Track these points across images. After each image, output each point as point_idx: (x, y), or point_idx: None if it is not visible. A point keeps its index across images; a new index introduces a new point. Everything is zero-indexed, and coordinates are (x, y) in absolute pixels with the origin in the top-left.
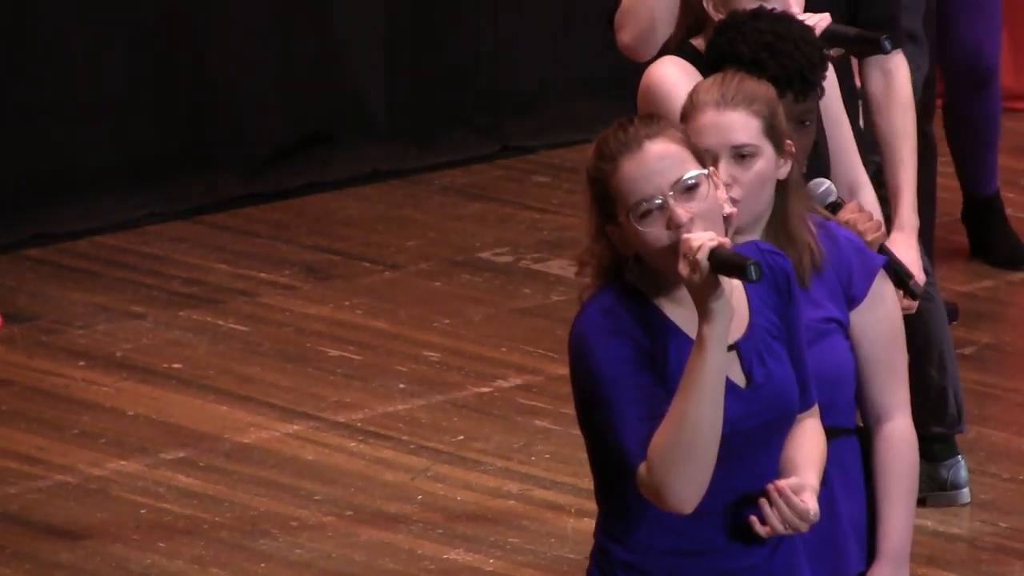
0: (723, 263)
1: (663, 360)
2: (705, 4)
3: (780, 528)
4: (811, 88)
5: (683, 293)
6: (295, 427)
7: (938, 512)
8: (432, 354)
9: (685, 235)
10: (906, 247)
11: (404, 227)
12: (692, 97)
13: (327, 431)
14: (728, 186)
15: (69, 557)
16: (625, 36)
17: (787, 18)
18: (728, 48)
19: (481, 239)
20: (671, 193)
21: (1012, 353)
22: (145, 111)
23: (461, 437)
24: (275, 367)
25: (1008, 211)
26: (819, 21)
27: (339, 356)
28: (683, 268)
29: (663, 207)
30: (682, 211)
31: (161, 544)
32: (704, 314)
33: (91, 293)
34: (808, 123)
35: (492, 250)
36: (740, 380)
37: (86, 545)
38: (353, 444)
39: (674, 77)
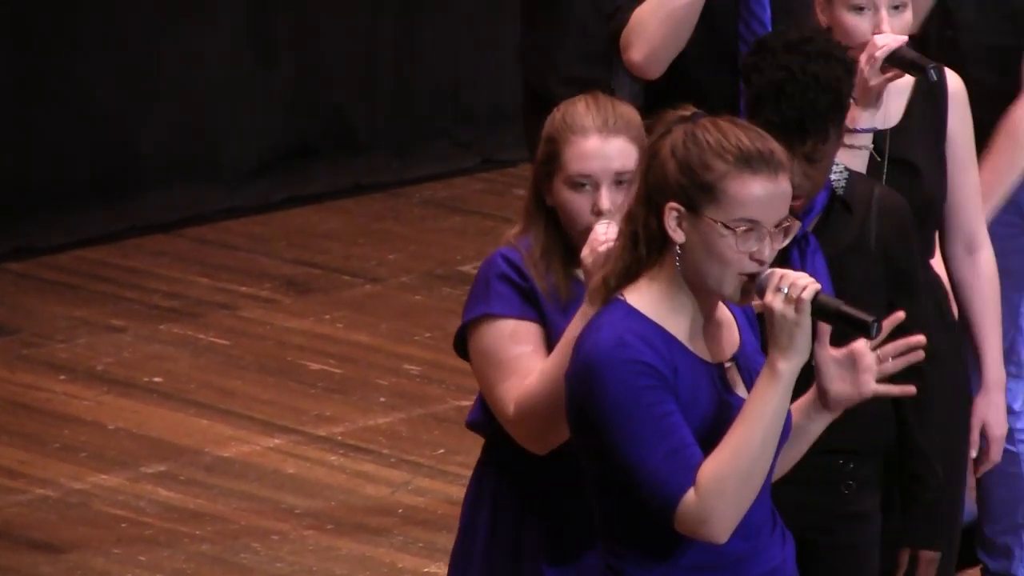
0: (836, 314)
1: (675, 381)
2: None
3: None
4: (807, 136)
5: (683, 308)
6: (276, 441)
7: None
8: (413, 367)
9: (785, 271)
10: (995, 406)
11: (385, 240)
12: (567, 119)
13: (308, 444)
14: (611, 212)
15: (50, 571)
16: (635, 54)
17: (817, 52)
18: (748, 72)
19: (462, 252)
20: (773, 229)
21: None
22: (126, 125)
23: (442, 450)
24: (256, 381)
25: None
26: (890, 43)
27: (320, 370)
28: (777, 303)
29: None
30: (771, 251)
31: (142, 558)
32: (784, 349)
33: (72, 307)
34: (819, 160)
35: (473, 263)
36: (743, 393)
37: (67, 559)
38: (334, 457)
39: None
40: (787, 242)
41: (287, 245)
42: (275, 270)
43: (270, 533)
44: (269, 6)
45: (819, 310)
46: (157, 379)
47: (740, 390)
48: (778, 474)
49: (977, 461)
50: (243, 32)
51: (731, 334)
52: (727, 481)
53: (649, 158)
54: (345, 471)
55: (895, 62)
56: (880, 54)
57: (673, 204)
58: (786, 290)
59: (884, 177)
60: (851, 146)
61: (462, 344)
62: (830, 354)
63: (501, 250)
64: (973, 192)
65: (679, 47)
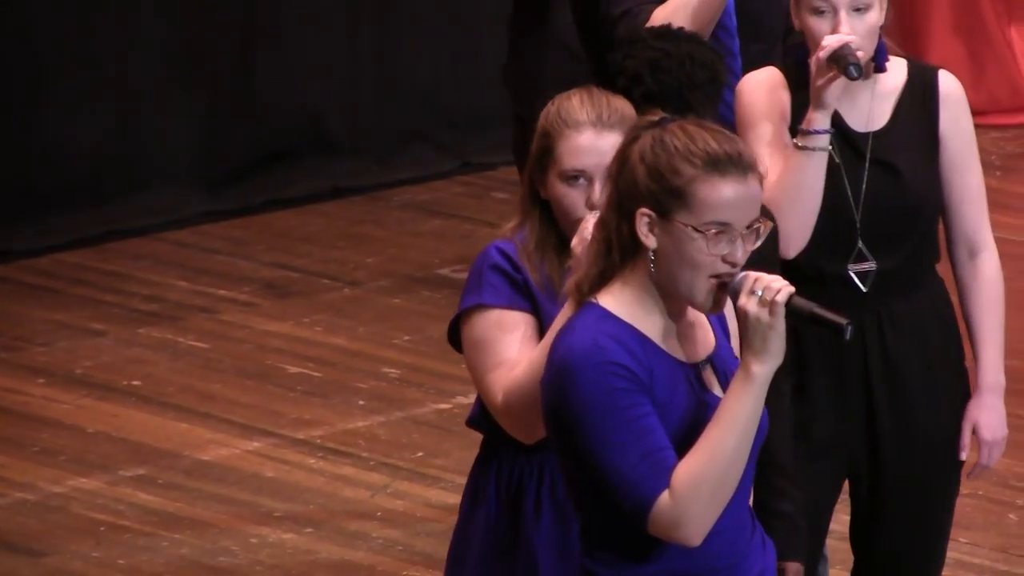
0: (810, 316)
1: (651, 383)
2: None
3: None
4: (688, 109)
5: (656, 310)
6: (255, 444)
7: None
8: (392, 371)
9: (759, 274)
10: (988, 408)
11: (364, 244)
12: (562, 114)
13: (287, 448)
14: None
15: (29, 574)
16: None
17: (687, 38)
18: (619, 62)
19: (441, 256)
20: (744, 231)
21: (971, 368)
22: (106, 130)
23: (421, 453)
24: (235, 384)
25: None
26: (832, 44)
27: (299, 373)
28: (751, 305)
29: (732, 241)
30: (743, 253)
31: (121, 561)
32: (759, 352)
33: (51, 310)
34: None
35: (452, 266)
36: (720, 393)
37: (46, 562)
38: (313, 461)
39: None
40: (759, 243)
41: (266, 248)
42: (254, 273)
43: (249, 536)
44: (249, 11)
45: (793, 313)
46: (136, 382)
47: (716, 390)
48: None
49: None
50: (224, 37)
51: (705, 334)
52: (701, 484)
53: (619, 164)
54: (324, 474)
55: (833, 61)
56: (823, 55)
57: (644, 210)
58: (760, 293)
59: (865, 180)
60: (806, 148)
61: (456, 336)
62: None
63: (496, 242)
64: (975, 194)
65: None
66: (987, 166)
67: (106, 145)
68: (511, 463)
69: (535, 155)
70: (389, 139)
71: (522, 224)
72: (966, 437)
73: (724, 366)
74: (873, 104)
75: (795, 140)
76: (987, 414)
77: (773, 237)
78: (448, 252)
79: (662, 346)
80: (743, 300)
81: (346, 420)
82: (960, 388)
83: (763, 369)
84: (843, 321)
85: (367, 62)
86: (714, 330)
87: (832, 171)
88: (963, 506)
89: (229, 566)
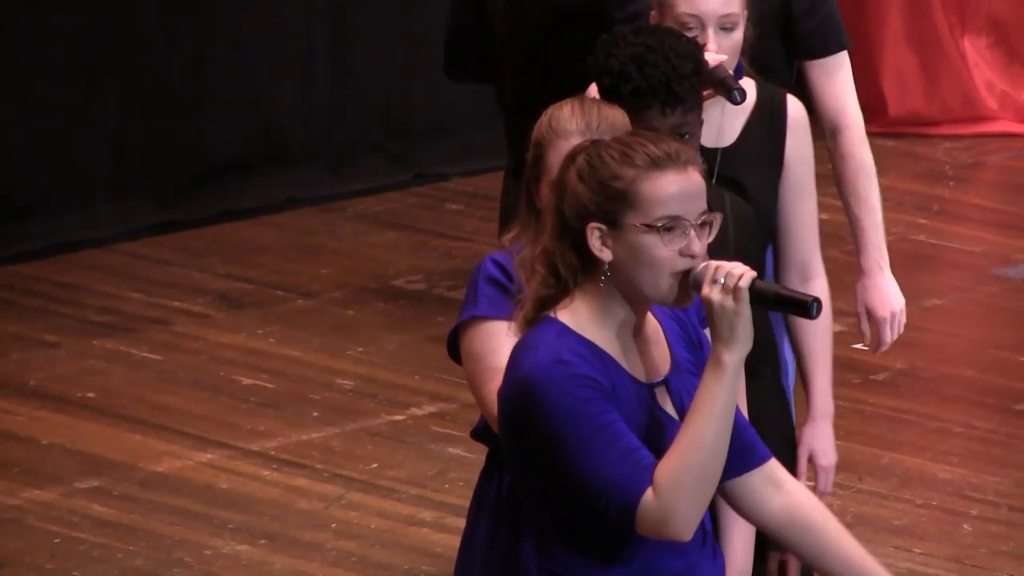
0: (774, 298)
1: (613, 396)
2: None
3: None
4: (678, 100)
5: (615, 326)
6: (209, 456)
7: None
8: (346, 382)
9: (719, 262)
10: (821, 435)
11: (318, 255)
12: (552, 124)
13: (241, 459)
14: None
15: None
16: None
17: (667, 32)
18: (603, 62)
19: (395, 267)
20: (697, 223)
21: (925, 378)
22: (59, 140)
23: (375, 465)
24: (189, 396)
25: (921, 237)
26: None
27: (253, 384)
28: (715, 294)
29: (686, 234)
30: (700, 245)
31: (76, 573)
32: (727, 340)
33: (5, 322)
34: (687, 136)
35: (406, 277)
36: (673, 414)
37: (1, 574)
38: (267, 472)
39: None
40: (712, 236)
41: (220, 260)
42: (208, 285)
43: (203, 548)
44: (202, 21)
45: (757, 297)
46: (90, 394)
47: (670, 410)
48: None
49: None
50: (177, 47)
51: (662, 353)
52: (684, 478)
53: (559, 192)
54: (278, 486)
55: (711, 81)
56: None
57: (593, 224)
58: (723, 280)
59: (728, 202)
60: None
61: (455, 348)
62: None
63: (492, 254)
64: (809, 221)
65: None
66: (940, 176)
67: (59, 156)
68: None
69: (529, 165)
70: (342, 150)
71: (520, 234)
72: (803, 464)
73: (680, 386)
74: (723, 121)
75: None
76: (821, 441)
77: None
78: (402, 263)
79: (621, 363)
80: (706, 290)
81: (300, 432)
82: (784, 409)
83: (733, 357)
84: (808, 298)
85: (320, 73)
86: (673, 347)
87: None
88: (918, 516)
89: None
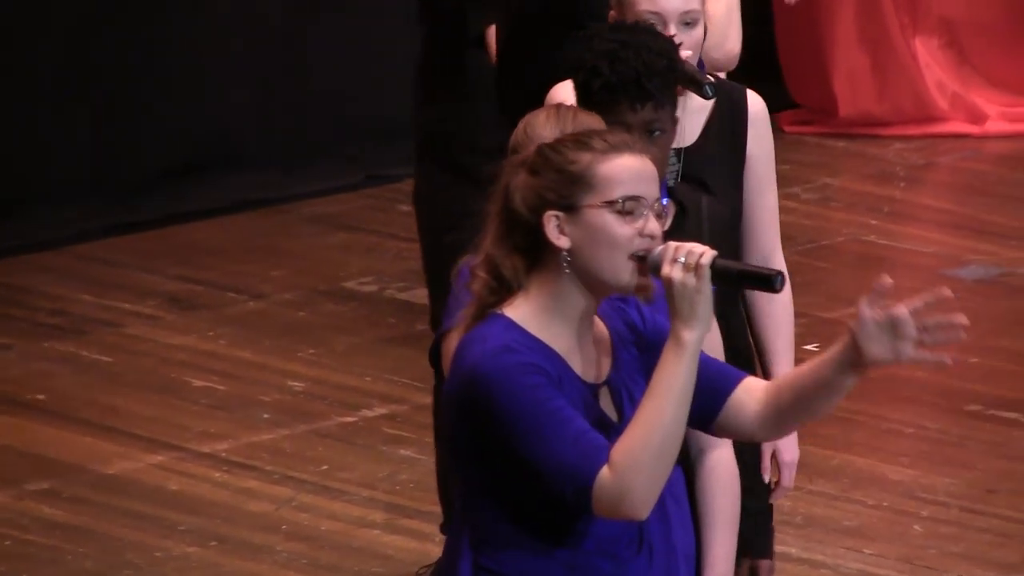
0: (738, 274)
1: (561, 389)
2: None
3: None
4: (648, 96)
5: (563, 324)
6: (160, 457)
7: (802, 539)
8: (297, 384)
9: (679, 243)
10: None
11: (269, 257)
12: (528, 131)
13: (192, 461)
14: None
15: None
16: None
17: (643, 30)
18: (576, 58)
19: (346, 268)
20: (653, 207)
21: (877, 379)
22: (9, 143)
23: (326, 467)
24: (140, 398)
25: (872, 237)
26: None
27: (204, 386)
28: (676, 272)
29: (644, 214)
30: (658, 226)
31: (26, 575)
32: (687, 318)
33: None
34: (658, 132)
35: (357, 279)
36: (613, 415)
37: None
38: (218, 474)
39: None
40: (667, 225)
41: (171, 262)
42: (159, 287)
43: (154, 550)
44: (154, 23)
45: (719, 274)
46: (41, 396)
47: (611, 413)
48: (808, 420)
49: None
50: (129, 47)
51: (606, 354)
52: (640, 455)
53: (504, 197)
54: (229, 488)
55: (680, 77)
56: None
57: (550, 212)
58: (683, 259)
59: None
60: None
61: (437, 357)
62: (873, 315)
63: (468, 263)
64: (770, 215)
65: None
66: (891, 177)
67: (10, 157)
68: None
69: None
70: (295, 152)
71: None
72: (766, 459)
73: (622, 386)
74: (684, 120)
75: None
76: (785, 437)
77: None
78: (354, 265)
79: (567, 361)
80: (667, 269)
81: (251, 433)
82: None
83: (693, 335)
84: (772, 272)
85: (272, 75)
86: (617, 349)
87: None
88: (869, 517)
89: None
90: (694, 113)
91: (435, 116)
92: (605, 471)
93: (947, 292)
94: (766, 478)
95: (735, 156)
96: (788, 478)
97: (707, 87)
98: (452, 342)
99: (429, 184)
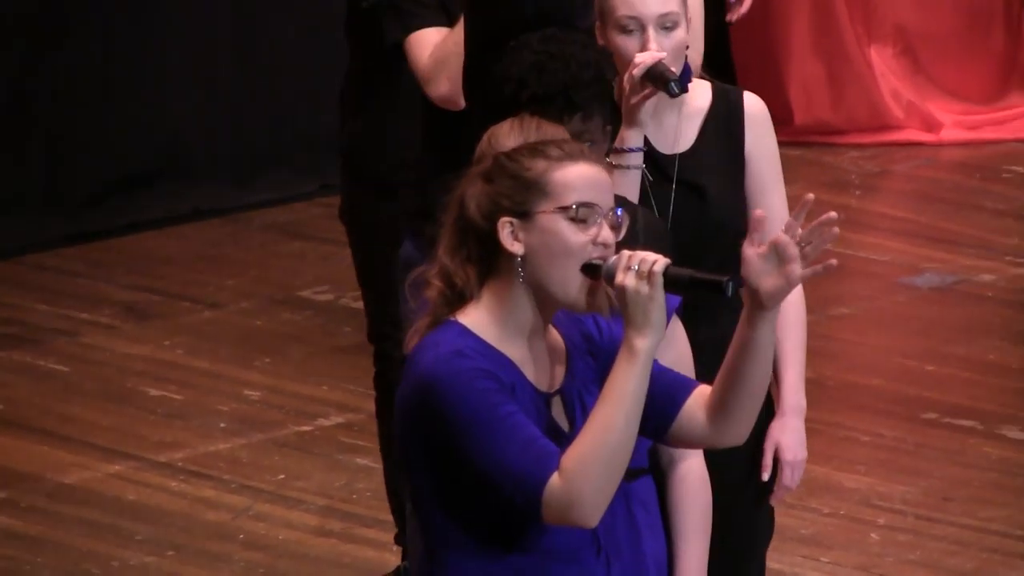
0: (689, 281)
1: (514, 398)
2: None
3: None
4: (576, 108)
5: (516, 332)
6: (116, 467)
7: None
8: (253, 393)
9: (632, 252)
10: (790, 430)
11: (224, 266)
12: (492, 141)
13: (148, 470)
14: None
15: None
16: (442, 87)
17: (572, 40)
18: (505, 69)
19: (302, 277)
20: (607, 216)
21: (833, 387)
22: None
23: (282, 476)
24: (96, 407)
25: (828, 246)
26: (646, 60)
27: (160, 395)
28: (629, 280)
29: (598, 222)
30: (612, 236)
31: None
32: (640, 326)
33: None
34: (588, 144)
35: (312, 288)
36: (564, 425)
37: None
38: (174, 483)
39: None
40: (622, 235)
41: (126, 271)
42: (115, 296)
43: (110, 559)
44: (106, 34)
45: (672, 281)
46: None
47: (563, 422)
48: (750, 399)
49: (771, 484)
50: (82, 58)
51: (560, 363)
52: (591, 462)
53: (458, 207)
54: (186, 497)
55: (650, 78)
56: (636, 72)
57: (504, 219)
58: (636, 267)
59: (673, 201)
60: (620, 166)
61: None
62: (756, 252)
63: None
64: (778, 215)
65: None
66: (847, 185)
67: None
68: None
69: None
70: (247, 161)
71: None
72: (768, 458)
73: (575, 395)
74: (679, 125)
75: (609, 159)
76: (788, 436)
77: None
78: (309, 274)
79: (521, 369)
80: (620, 277)
81: (207, 442)
82: (763, 411)
83: (646, 343)
84: (723, 278)
85: (224, 84)
86: (572, 358)
87: (640, 193)
88: (825, 525)
89: None
90: (689, 118)
91: (354, 129)
92: (555, 478)
93: (809, 196)
94: (765, 476)
95: (733, 159)
96: (790, 477)
97: (672, 84)
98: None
99: (352, 198)
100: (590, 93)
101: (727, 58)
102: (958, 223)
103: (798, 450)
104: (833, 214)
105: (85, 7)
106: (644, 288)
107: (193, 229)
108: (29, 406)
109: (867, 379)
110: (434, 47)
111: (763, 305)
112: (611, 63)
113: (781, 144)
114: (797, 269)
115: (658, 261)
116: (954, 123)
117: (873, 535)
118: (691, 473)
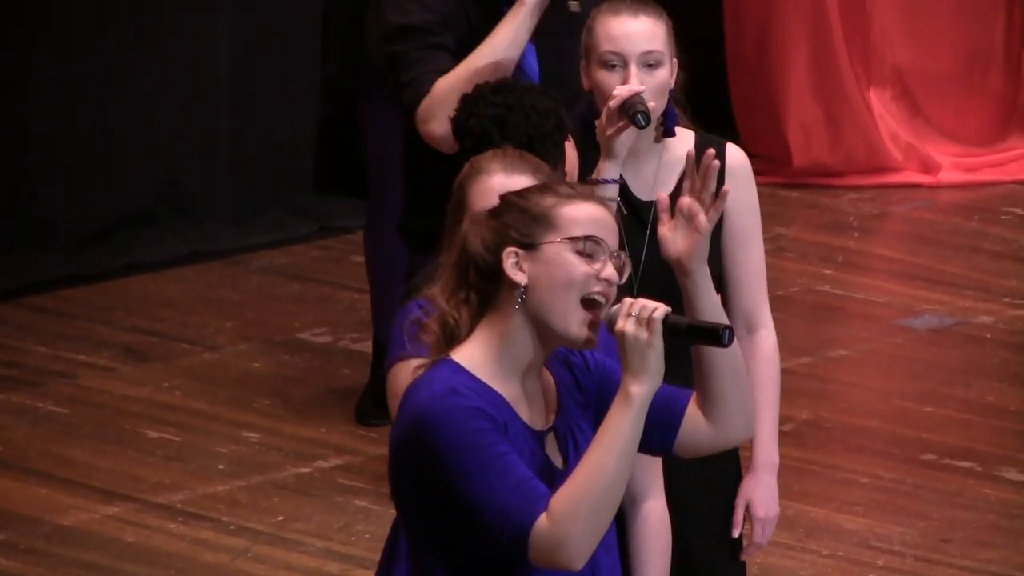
0: (688, 329)
1: (506, 437)
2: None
3: None
4: (539, 158)
5: (511, 370)
6: (115, 509)
7: None
8: (251, 435)
9: (634, 300)
10: (762, 486)
11: (223, 308)
12: (475, 165)
13: (147, 512)
14: None
15: None
16: (438, 128)
17: (525, 89)
18: (463, 123)
19: (300, 319)
20: (612, 256)
21: (831, 429)
22: None
23: (281, 517)
24: (95, 449)
25: (826, 287)
26: (623, 94)
27: (158, 437)
28: (629, 326)
29: (605, 260)
30: (615, 274)
31: None
32: (638, 372)
33: None
34: None
35: (311, 330)
36: (558, 461)
37: None
38: (173, 525)
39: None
40: (624, 279)
41: (125, 313)
42: (113, 338)
43: None
44: (106, 74)
45: (671, 329)
46: None
47: (556, 460)
48: (730, 382)
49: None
50: (80, 97)
51: (552, 400)
52: (580, 506)
53: (461, 245)
54: (184, 539)
55: (623, 110)
56: (614, 104)
57: (510, 249)
58: (636, 313)
59: (645, 249)
60: None
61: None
62: (669, 226)
63: (416, 300)
64: (754, 270)
65: None
66: (845, 227)
67: None
68: None
69: (450, 213)
70: (246, 203)
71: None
72: (739, 514)
73: (567, 431)
74: (659, 173)
75: None
76: (760, 492)
77: None
78: (307, 316)
79: (514, 407)
80: (620, 323)
81: (206, 484)
82: (732, 468)
83: (642, 390)
84: (720, 325)
85: (224, 126)
86: (562, 396)
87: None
88: (824, 566)
89: None
90: (669, 166)
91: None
92: (543, 519)
93: (707, 154)
94: (735, 533)
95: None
96: (760, 535)
97: (639, 116)
98: (397, 378)
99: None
100: (552, 143)
101: (725, 99)
102: (956, 265)
103: (770, 506)
104: (712, 151)
105: (85, 46)
106: (643, 335)
107: (192, 271)
108: (27, 448)
109: (865, 421)
110: (434, 86)
111: (688, 269)
112: (564, 110)
113: (780, 185)
114: (703, 217)
115: (658, 309)
116: (952, 165)
117: None
118: (653, 514)
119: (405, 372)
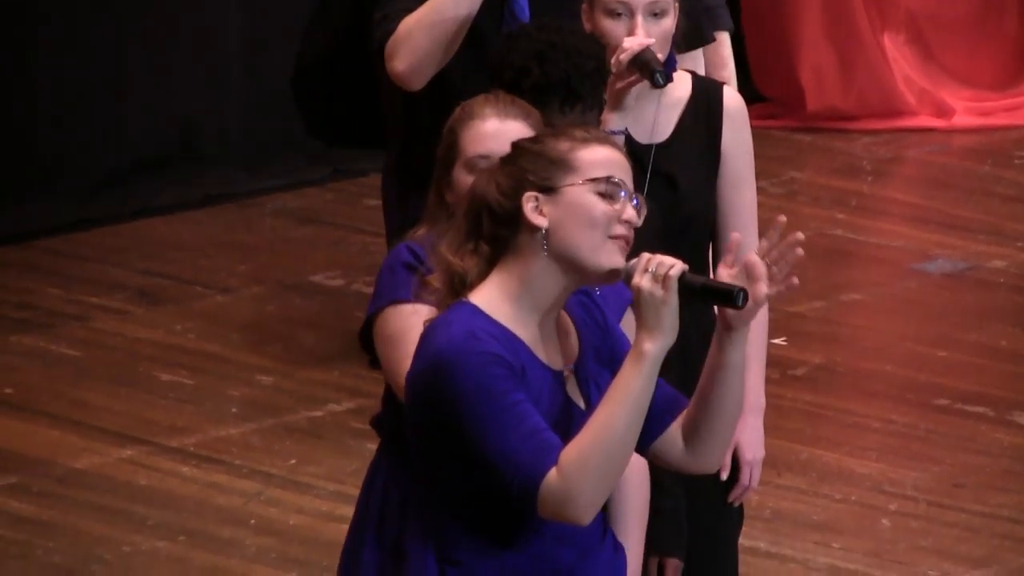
0: (702, 288)
1: (524, 380)
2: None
3: None
4: (577, 98)
5: (530, 312)
6: (128, 452)
7: (770, 533)
8: (264, 378)
9: (652, 255)
10: (749, 429)
11: (235, 251)
12: (467, 109)
13: (160, 455)
14: None
15: None
16: (399, 64)
17: (570, 31)
18: (504, 57)
19: (313, 262)
20: (630, 194)
21: (844, 373)
22: None
23: (294, 461)
24: (108, 391)
25: (839, 232)
26: (633, 47)
27: (171, 380)
28: (644, 282)
29: (625, 201)
30: (635, 214)
31: None
32: (651, 329)
33: None
34: None
35: (324, 273)
36: (580, 402)
37: None
38: (186, 468)
39: None
40: (640, 222)
41: (138, 256)
42: (127, 281)
43: (122, 544)
44: (117, 20)
45: (686, 288)
46: (8, 390)
47: (578, 399)
48: (722, 425)
49: (730, 483)
50: (92, 44)
51: (572, 341)
52: (589, 461)
53: (472, 195)
54: (197, 482)
55: (636, 65)
56: (624, 57)
57: (529, 193)
58: (653, 269)
59: (645, 191)
60: None
61: (368, 338)
62: (728, 273)
63: (406, 242)
64: (747, 213)
65: (443, 61)
66: (858, 171)
67: None
68: (402, 467)
69: (440, 158)
70: (259, 146)
71: (430, 229)
72: (727, 457)
73: (589, 374)
74: (658, 116)
75: None
76: (748, 434)
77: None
78: (320, 259)
79: (532, 349)
80: (637, 279)
81: (219, 427)
82: None
83: (655, 346)
84: (734, 287)
85: (236, 70)
86: (582, 336)
87: None
88: (836, 511)
89: (102, 574)
90: (668, 109)
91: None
92: (553, 473)
93: (781, 218)
94: (724, 475)
95: (709, 153)
96: (748, 477)
97: (658, 75)
98: (389, 322)
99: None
100: (591, 84)
101: (739, 43)
102: (970, 209)
103: (757, 449)
104: (800, 235)
105: None
106: (658, 291)
107: (205, 214)
108: (40, 391)
109: (878, 365)
110: (400, 23)
111: (731, 325)
112: (607, 55)
113: (793, 129)
114: (763, 288)
115: (675, 266)
116: (966, 109)
117: (884, 521)
118: (631, 471)
119: (398, 317)
